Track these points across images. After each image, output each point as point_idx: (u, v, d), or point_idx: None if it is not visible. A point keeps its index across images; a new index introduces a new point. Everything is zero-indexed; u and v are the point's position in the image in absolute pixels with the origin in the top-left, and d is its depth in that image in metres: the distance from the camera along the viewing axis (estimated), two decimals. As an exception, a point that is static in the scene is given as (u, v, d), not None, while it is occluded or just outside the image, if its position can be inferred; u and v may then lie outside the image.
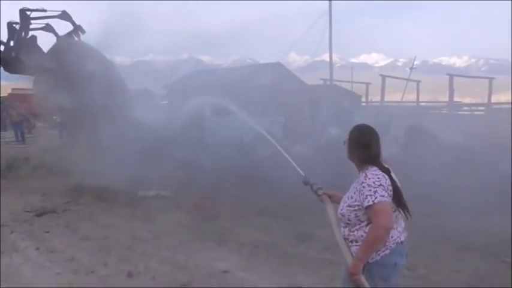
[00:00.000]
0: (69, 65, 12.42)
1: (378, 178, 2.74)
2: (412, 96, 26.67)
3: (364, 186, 2.74)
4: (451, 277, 4.87)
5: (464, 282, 4.71)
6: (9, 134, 22.96)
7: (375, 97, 27.77)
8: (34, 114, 23.88)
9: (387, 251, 2.73)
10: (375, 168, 2.80)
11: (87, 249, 5.58)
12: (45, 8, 12.63)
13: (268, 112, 16.89)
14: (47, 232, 6.28)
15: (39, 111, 22.77)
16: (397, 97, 26.95)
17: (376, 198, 2.66)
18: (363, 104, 23.54)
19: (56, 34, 13.09)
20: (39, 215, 7.17)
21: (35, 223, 6.76)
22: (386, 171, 2.83)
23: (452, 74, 21.96)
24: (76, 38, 13.26)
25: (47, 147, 15.14)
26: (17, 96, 29.30)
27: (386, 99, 25.32)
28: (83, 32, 13.09)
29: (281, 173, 10.32)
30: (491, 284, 4.61)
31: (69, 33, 13.16)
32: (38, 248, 5.59)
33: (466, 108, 23.45)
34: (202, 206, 8.02)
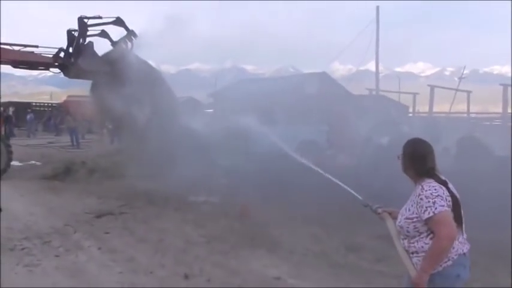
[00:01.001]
0: (122, 73, 13.04)
1: (435, 189, 2.80)
2: (461, 107, 25.85)
3: (421, 199, 2.80)
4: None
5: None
6: (64, 139, 24.30)
7: (422, 107, 27.15)
8: (88, 121, 25.08)
9: (449, 262, 2.77)
10: (430, 180, 2.86)
11: (144, 251, 5.86)
12: (100, 15, 13.33)
13: (313, 121, 16.93)
14: (107, 233, 6.64)
15: (93, 118, 23.96)
16: (445, 107, 26.22)
17: (436, 209, 2.72)
18: (410, 114, 23.07)
19: (110, 40, 13.76)
20: (99, 216, 7.59)
21: (95, 224, 7.16)
22: (444, 183, 2.88)
23: (506, 84, 21.12)
24: (129, 43, 13.85)
25: (101, 152, 15.88)
26: (72, 103, 30.91)
27: (434, 109, 24.70)
28: (136, 36, 13.65)
29: (327, 182, 10.36)
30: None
31: (123, 38, 13.78)
32: (100, 248, 5.94)
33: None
34: (250, 213, 8.19)
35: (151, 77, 14.17)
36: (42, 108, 38.08)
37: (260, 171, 11.93)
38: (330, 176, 5.35)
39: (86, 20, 12.53)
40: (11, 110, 31.21)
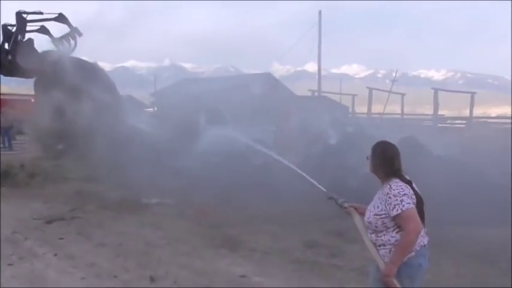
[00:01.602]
0: (62, 73, 12.52)
1: (402, 188, 3.06)
2: (392, 108, 27.38)
3: (390, 197, 3.05)
4: (455, 281, 5.22)
5: (467, 285, 5.06)
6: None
7: (358, 108, 28.41)
8: (21, 121, 23.62)
9: (413, 253, 3.03)
10: (397, 180, 3.12)
11: (105, 255, 5.73)
12: (41, 10, 12.69)
13: (259, 121, 17.23)
14: (61, 239, 6.39)
15: (27, 118, 22.63)
16: (377, 108, 27.64)
17: (403, 206, 2.98)
18: (349, 115, 24.11)
19: (51, 36, 13.15)
20: (49, 222, 7.27)
21: (47, 230, 6.86)
22: (409, 183, 3.16)
23: (437, 89, 22.75)
24: (72, 40, 13.32)
25: (37, 154, 15.03)
26: (2, 102, 28.91)
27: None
28: (80, 34, 13.18)
29: (278, 181, 10.70)
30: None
31: (66, 35, 13.23)
32: (56, 254, 5.72)
33: (448, 121, 24.25)
34: (207, 214, 8.24)
35: (94, 76, 13.75)
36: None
37: (212, 171, 11.98)
38: (296, 168, 5.56)
39: (24, 15, 11.85)
40: None
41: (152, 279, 5.00)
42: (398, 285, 2.98)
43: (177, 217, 8.00)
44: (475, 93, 23.85)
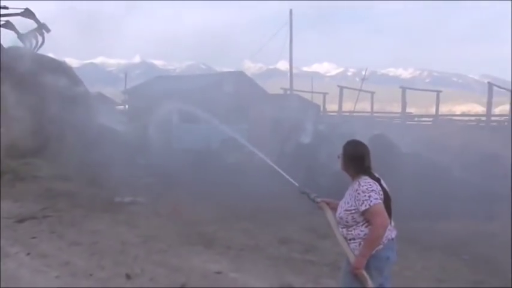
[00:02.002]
0: (24, 71, 12.24)
1: (370, 185, 3.23)
2: (361, 106, 27.96)
3: (359, 193, 3.22)
4: (422, 273, 5.49)
5: (433, 277, 5.33)
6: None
7: (328, 106, 28.84)
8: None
9: (381, 246, 3.21)
10: (366, 177, 3.30)
11: (79, 254, 5.71)
12: (6, 5, 12.38)
13: (231, 120, 17.29)
14: (34, 238, 6.31)
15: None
16: (347, 106, 28.16)
17: (371, 201, 3.16)
18: (321, 113, 24.47)
19: (17, 32, 12.82)
20: (20, 221, 7.14)
21: (18, 229, 6.74)
22: (377, 180, 3.33)
23: (405, 87, 23.42)
24: (40, 36, 13.04)
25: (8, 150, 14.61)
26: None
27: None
28: (48, 30, 12.91)
29: (250, 179, 10.82)
30: (456, 278, 5.25)
31: (32, 31, 12.92)
32: (29, 253, 5.65)
33: (416, 119, 24.97)
34: (181, 212, 8.28)
35: (60, 74, 13.50)
36: None
37: (184, 169, 12.01)
38: (270, 162, 5.70)
39: None
40: None
41: (128, 276, 5.02)
42: (367, 277, 3.15)
43: (151, 215, 8.01)
44: (440, 91, 24.67)
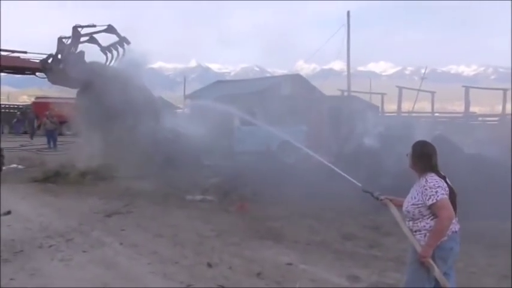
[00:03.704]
0: (103, 84, 13.36)
1: (436, 181, 3.56)
2: (421, 105, 27.30)
3: (426, 189, 3.55)
4: (486, 269, 5.64)
5: (498, 273, 5.47)
6: (35, 141, 24.05)
7: (386, 106, 28.46)
8: (62, 123, 24.92)
9: (445, 238, 3.53)
10: (432, 174, 3.63)
11: (163, 245, 6.40)
12: (94, 23, 13.59)
13: (290, 122, 17.72)
14: (123, 230, 7.12)
15: (70, 121, 23.86)
16: (406, 106, 27.64)
17: (438, 196, 3.49)
18: (379, 114, 24.28)
19: (99, 45, 14.02)
20: (108, 215, 8.03)
21: (108, 222, 7.61)
22: (443, 178, 3.65)
23: (468, 86, 22.69)
24: (121, 48, 14.12)
25: (89, 154, 15.96)
26: (41, 105, 30.41)
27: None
28: (128, 42, 13.98)
29: (310, 179, 11.17)
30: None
31: (114, 44, 14.05)
32: (121, 243, 6.43)
33: (479, 118, 24.10)
34: (247, 209, 8.85)
35: (134, 87, 14.53)
36: (5, 110, 36.94)
37: (249, 170, 12.59)
38: (331, 165, 6.13)
39: (79, 29, 12.79)
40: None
41: (209, 265, 5.62)
42: (434, 265, 3.48)
43: (221, 212, 8.65)
44: (507, 89, 23.64)
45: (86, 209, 8.61)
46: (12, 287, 4.88)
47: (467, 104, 22.15)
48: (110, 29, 13.59)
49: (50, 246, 6.24)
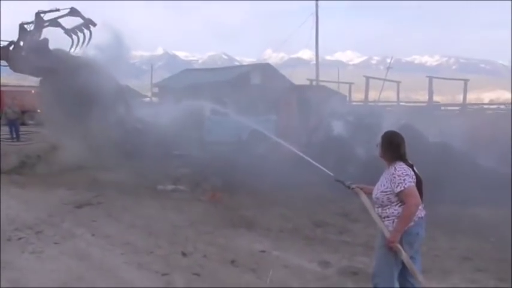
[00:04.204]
0: (68, 72, 13.01)
1: (404, 170, 3.74)
2: (386, 94, 27.99)
3: (394, 177, 3.73)
4: (449, 253, 5.96)
5: (459, 255, 5.79)
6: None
7: (353, 95, 28.95)
8: (24, 112, 24.11)
9: (412, 223, 3.73)
10: (401, 163, 3.81)
11: (137, 235, 6.40)
12: (58, 7, 13.09)
13: (260, 111, 17.82)
14: (94, 221, 7.05)
15: (34, 109, 23.14)
16: (372, 95, 28.21)
17: (406, 184, 3.67)
18: (347, 103, 24.71)
19: (63, 28, 13.54)
20: (78, 207, 7.92)
21: (79, 214, 7.52)
22: (411, 166, 3.84)
23: (431, 76, 23.42)
24: (86, 30, 13.68)
25: (45, 145, 15.52)
26: (6, 94, 29.21)
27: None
28: (94, 24, 13.54)
29: (280, 168, 11.34)
30: (482, 257, 5.69)
31: (79, 26, 13.60)
32: (93, 234, 6.39)
33: (442, 108, 24.95)
34: (220, 199, 8.93)
35: (99, 75, 14.21)
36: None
37: (220, 159, 12.64)
38: (303, 155, 6.28)
39: (42, 15, 12.33)
40: None
41: (184, 254, 5.68)
42: (401, 249, 3.67)
43: (193, 202, 8.69)
44: (468, 80, 24.55)
45: (54, 200, 8.46)
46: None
47: (430, 94, 22.90)
48: (73, 12, 13.15)
49: (20, 238, 6.13)
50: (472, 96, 36.34)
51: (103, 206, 8.05)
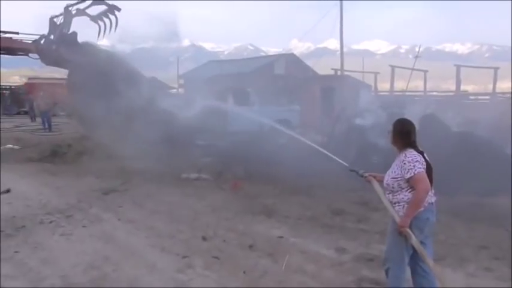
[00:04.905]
0: (95, 65, 13.39)
1: (415, 156, 3.82)
2: (414, 84, 27.48)
3: (405, 163, 3.82)
4: (466, 241, 5.96)
5: (476, 244, 5.80)
6: (29, 122, 24.13)
7: (380, 85, 28.58)
8: (56, 103, 24.93)
9: (422, 209, 3.81)
10: (411, 149, 3.88)
11: (160, 221, 6.68)
12: None
13: (284, 101, 17.90)
14: (121, 207, 7.38)
15: (63, 101, 23.89)
16: (400, 85, 27.76)
17: (416, 170, 3.75)
18: (372, 93, 24.46)
19: (88, 15, 13.86)
20: (106, 193, 8.29)
21: (106, 200, 7.88)
22: (421, 153, 3.91)
23: (459, 65, 22.88)
24: (112, 16, 13.94)
25: (76, 135, 16.07)
26: (34, 86, 30.28)
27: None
28: (118, 9, 13.77)
29: (301, 158, 11.45)
30: (501, 247, 5.69)
31: (104, 12, 13.90)
32: (119, 219, 6.70)
33: (471, 97, 24.38)
34: (241, 187, 9.13)
35: (123, 67, 14.55)
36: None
37: (242, 149, 12.83)
38: (318, 147, 6.39)
39: (70, 8, 12.73)
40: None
41: (204, 238, 5.91)
42: (411, 234, 3.76)
43: (215, 189, 8.93)
44: (498, 68, 23.86)
45: (83, 187, 8.85)
46: (17, 259, 5.14)
47: (458, 83, 22.39)
48: (97, 1, 13.44)
49: (51, 222, 6.50)
50: (504, 85, 35.21)
51: (129, 193, 8.38)
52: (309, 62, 27.10)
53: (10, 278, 4.66)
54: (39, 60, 14.35)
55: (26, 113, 29.03)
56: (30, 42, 13.17)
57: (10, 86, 39.75)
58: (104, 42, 15.78)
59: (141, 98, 15.13)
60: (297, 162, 10.97)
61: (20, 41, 13.11)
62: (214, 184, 9.47)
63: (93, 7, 13.58)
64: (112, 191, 8.50)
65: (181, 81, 26.96)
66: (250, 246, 5.66)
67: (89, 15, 13.86)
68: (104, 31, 14.00)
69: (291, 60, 22.86)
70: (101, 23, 13.86)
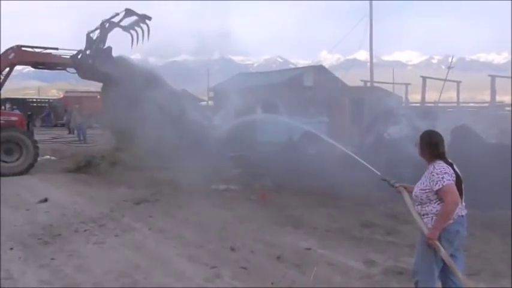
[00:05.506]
0: (128, 78, 13.77)
1: (443, 168, 3.78)
2: (448, 95, 26.92)
3: (433, 175, 3.78)
4: (501, 256, 5.78)
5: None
6: (65, 134, 25.04)
7: (411, 96, 28.14)
8: (91, 116, 25.79)
9: (451, 221, 3.75)
10: (440, 161, 3.84)
11: (189, 230, 6.79)
12: (117, 12, 13.79)
13: (313, 113, 17.86)
14: (151, 217, 7.55)
15: (97, 114, 24.67)
16: (432, 96, 27.23)
17: (444, 182, 3.70)
18: (403, 104, 24.10)
19: (121, 27, 14.28)
20: (137, 203, 8.50)
21: (137, 210, 8.08)
22: (450, 164, 3.86)
23: (494, 75, 22.27)
24: (144, 25, 14.30)
25: (109, 147, 16.53)
26: (72, 99, 31.48)
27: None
28: (149, 18, 14.13)
29: (331, 168, 11.38)
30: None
31: (135, 22, 14.28)
32: (150, 228, 6.87)
33: (507, 108, 23.64)
34: (269, 198, 9.16)
35: (154, 80, 14.90)
36: (37, 104, 38.24)
37: (271, 160, 12.88)
38: (350, 153, 6.36)
39: (105, 24, 13.21)
40: (7, 106, 31.58)
41: (232, 249, 5.96)
42: (440, 247, 3.70)
43: (243, 200, 9.00)
44: (535, 78, 23.08)
45: (116, 197, 9.10)
46: (53, 265, 5.35)
47: (493, 94, 21.78)
48: (129, 12, 13.82)
49: (85, 230, 6.73)
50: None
51: (159, 203, 8.57)
52: (338, 74, 26.99)
53: (47, 283, 4.85)
54: (75, 74, 14.92)
55: (63, 125, 30.16)
56: (68, 57, 13.70)
57: (49, 99, 41.46)
58: (136, 56, 16.29)
59: (172, 110, 15.51)
60: (325, 174, 10.92)
61: (59, 56, 13.67)
62: (242, 195, 9.54)
63: (126, 19, 13.98)
64: (143, 201, 8.71)
65: (211, 94, 27.37)
66: (278, 257, 5.67)
67: (121, 26, 14.31)
68: (137, 40, 14.40)
69: (320, 71, 22.87)
70: (133, 33, 14.25)
